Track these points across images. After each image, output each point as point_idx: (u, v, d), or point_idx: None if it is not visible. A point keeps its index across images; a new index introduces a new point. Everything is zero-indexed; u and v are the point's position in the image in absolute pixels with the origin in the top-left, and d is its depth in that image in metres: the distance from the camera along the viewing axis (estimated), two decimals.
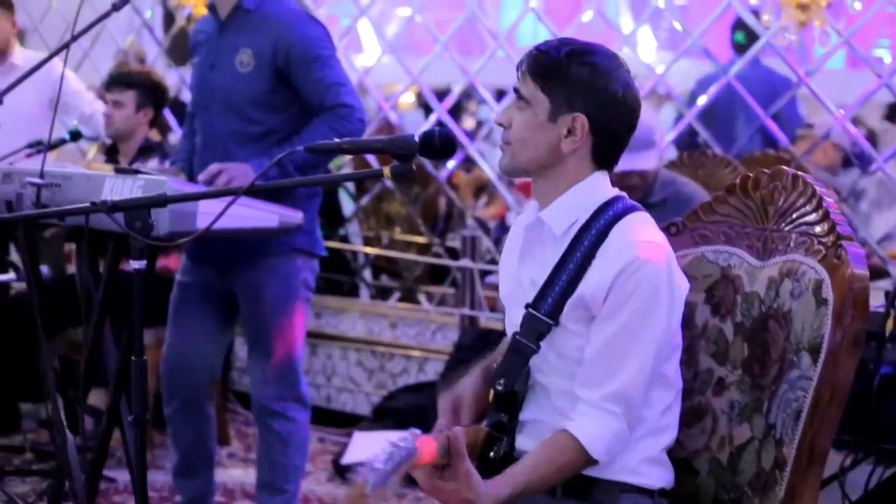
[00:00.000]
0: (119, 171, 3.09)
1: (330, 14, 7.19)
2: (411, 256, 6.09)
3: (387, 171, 2.25)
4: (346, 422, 5.30)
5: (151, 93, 4.82)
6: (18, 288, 4.66)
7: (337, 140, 2.42)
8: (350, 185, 6.20)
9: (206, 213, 2.89)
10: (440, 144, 2.26)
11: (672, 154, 5.23)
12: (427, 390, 4.97)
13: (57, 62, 3.37)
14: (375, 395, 5.39)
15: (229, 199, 2.33)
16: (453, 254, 5.74)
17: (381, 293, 6.18)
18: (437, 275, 6.16)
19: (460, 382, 2.45)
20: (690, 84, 6.12)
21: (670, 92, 5.51)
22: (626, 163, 3.81)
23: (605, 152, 2.28)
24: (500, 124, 2.30)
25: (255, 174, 3.31)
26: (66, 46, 3.17)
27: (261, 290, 3.56)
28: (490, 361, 2.43)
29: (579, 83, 2.22)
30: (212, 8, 3.57)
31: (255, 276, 3.56)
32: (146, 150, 4.81)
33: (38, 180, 3.15)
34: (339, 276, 6.05)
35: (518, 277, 2.35)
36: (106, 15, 3.20)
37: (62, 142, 4.35)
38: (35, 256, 3.38)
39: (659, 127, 3.85)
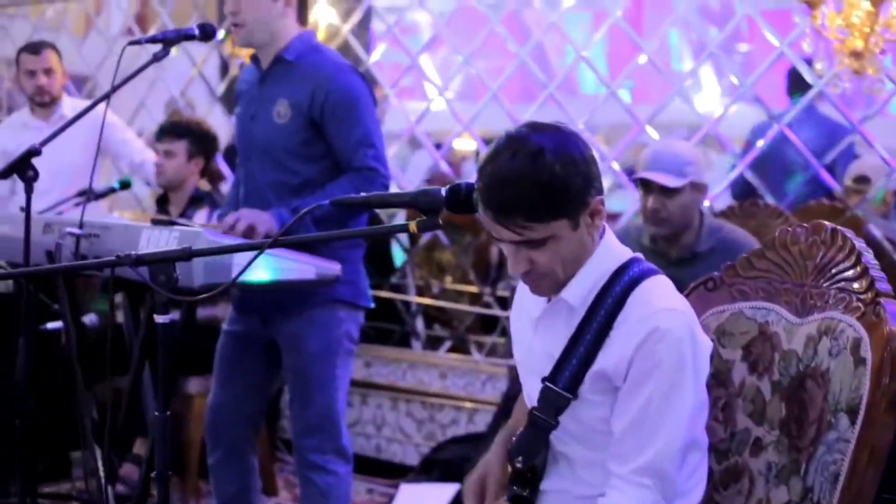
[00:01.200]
0: (156, 222, 3.08)
1: (391, 60, 7.18)
2: (461, 307, 6.04)
3: (412, 225, 2.21)
4: (396, 472, 5.25)
5: (202, 142, 4.86)
6: None
7: (364, 194, 2.39)
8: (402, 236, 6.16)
9: (242, 265, 2.87)
10: (466, 198, 2.20)
11: (726, 203, 5.14)
12: (474, 441, 4.91)
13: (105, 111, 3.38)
14: (425, 445, 5.34)
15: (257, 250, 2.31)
16: (504, 303, 5.69)
17: (432, 342, 6.13)
18: (488, 324, 6.10)
19: (482, 461, 2.40)
20: None
21: (721, 141, 5.42)
22: (644, 173, 3.75)
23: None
24: (523, 273, 2.16)
25: (272, 220, 3.32)
26: (107, 96, 3.18)
27: (301, 341, 3.53)
28: (510, 432, 2.38)
29: (565, 179, 2.06)
30: (255, 58, 3.57)
31: (296, 327, 3.53)
32: (196, 200, 4.84)
33: (76, 230, 3.17)
34: (390, 326, 6.02)
35: (531, 346, 2.29)
36: (146, 65, 3.21)
37: (111, 191, 4.38)
38: (75, 306, 3.38)
39: (695, 160, 3.76)
